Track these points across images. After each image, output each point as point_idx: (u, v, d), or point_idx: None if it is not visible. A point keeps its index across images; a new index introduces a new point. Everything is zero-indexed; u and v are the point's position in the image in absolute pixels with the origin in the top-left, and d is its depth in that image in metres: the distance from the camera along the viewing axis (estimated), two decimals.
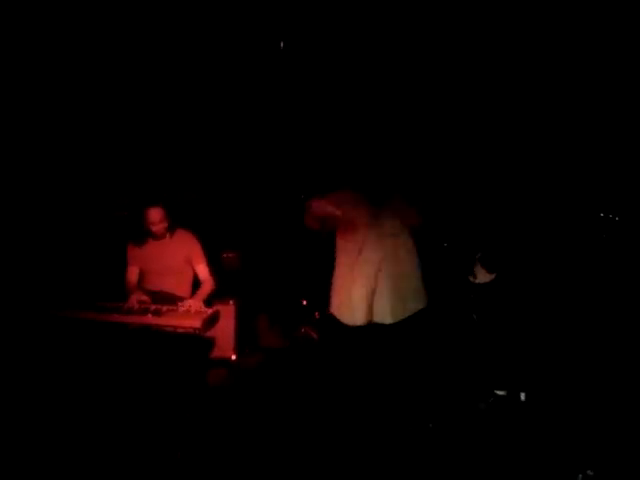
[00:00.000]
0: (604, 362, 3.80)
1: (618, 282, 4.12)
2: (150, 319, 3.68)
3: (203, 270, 4.14)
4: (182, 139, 5.11)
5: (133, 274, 4.12)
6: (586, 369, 3.81)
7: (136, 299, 3.88)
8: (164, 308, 3.78)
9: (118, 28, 3.99)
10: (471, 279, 4.65)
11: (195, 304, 3.87)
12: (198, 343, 3.78)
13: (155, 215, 3.94)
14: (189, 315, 3.76)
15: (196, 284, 4.23)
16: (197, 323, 3.64)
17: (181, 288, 4.13)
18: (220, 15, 4.00)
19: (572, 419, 3.39)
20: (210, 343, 3.98)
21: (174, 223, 4.08)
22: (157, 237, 4.03)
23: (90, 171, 4.82)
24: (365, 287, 3.38)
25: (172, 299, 3.99)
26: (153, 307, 3.80)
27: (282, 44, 4.31)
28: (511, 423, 3.52)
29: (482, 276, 4.63)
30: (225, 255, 5.03)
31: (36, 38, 3.89)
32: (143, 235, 4.03)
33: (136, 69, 4.43)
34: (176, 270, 4.09)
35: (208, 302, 4.06)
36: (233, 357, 4.18)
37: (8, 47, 3.85)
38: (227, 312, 4.24)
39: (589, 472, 2.73)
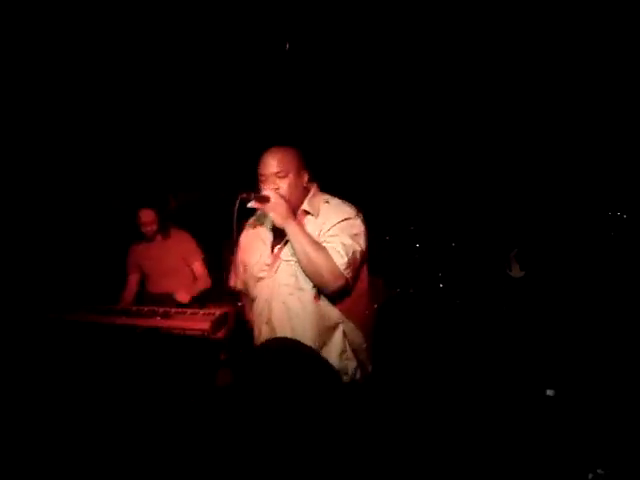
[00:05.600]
0: (617, 360, 3.78)
1: (631, 280, 4.11)
2: (159, 322, 3.70)
3: (198, 267, 4.23)
4: (186, 140, 5.12)
5: (131, 282, 4.27)
6: (599, 366, 3.78)
7: (126, 301, 4.13)
8: (172, 310, 3.81)
9: (120, 29, 4.02)
10: (508, 272, 4.79)
11: (183, 296, 3.99)
12: (207, 345, 3.78)
13: (146, 216, 4.02)
14: (198, 317, 3.78)
15: None
16: (206, 325, 3.65)
17: (183, 289, 4.17)
18: (223, 16, 4.00)
19: (583, 417, 3.36)
20: (219, 345, 3.99)
21: (168, 224, 4.14)
22: (148, 238, 4.12)
23: (92, 174, 4.85)
24: None
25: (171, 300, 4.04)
26: (161, 310, 3.82)
27: (287, 45, 4.32)
28: (522, 421, 3.50)
29: (516, 271, 4.75)
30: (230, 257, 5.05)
31: (35, 37, 3.90)
32: (138, 237, 4.11)
33: (137, 70, 4.45)
34: (175, 270, 4.17)
35: (202, 303, 4.12)
36: None
37: (8, 47, 3.86)
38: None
39: (599, 471, 2.71)
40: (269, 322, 2.43)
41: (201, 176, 5.28)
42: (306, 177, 2.45)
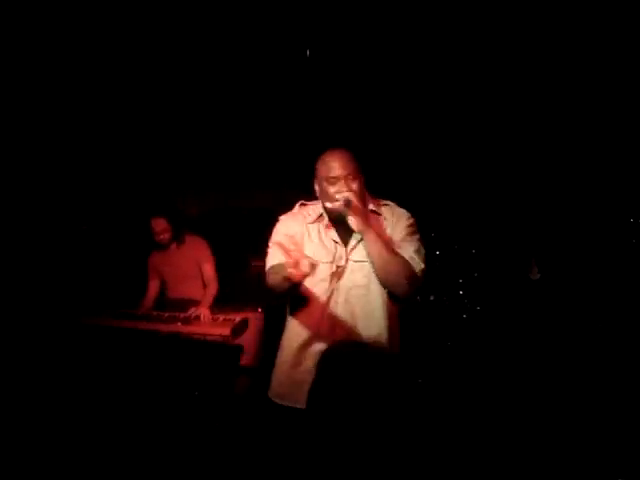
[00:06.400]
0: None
1: None
2: (179, 327, 3.73)
3: (208, 270, 4.19)
4: (211, 147, 5.15)
5: (151, 288, 4.28)
6: (620, 373, 3.74)
7: (145, 306, 4.12)
8: (192, 316, 3.84)
9: (141, 36, 4.04)
10: (529, 275, 4.79)
11: (203, 312, 3.93)
12: (227, 351, 3.80)
13: (158, 225, 4.04)
14: (218, 323, 3.80)
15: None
16: (226, 331, 3.68)
17: (201, 293, 4.18)
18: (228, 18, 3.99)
19: (604, 428, 3.32)
20: (239, 351, 4.00)
21: (182, 231, 4.17)
22: (162, 247, 4.14)
23: (116, 181, 4.89)
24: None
25: (190, 305, 4.05)
26: (182, 315, 3.85)
27: (308, 52, 4.32)
28: (542, 430, 3.46)
29: (534, 274, 4.77)
30: (254, 264, 5.06)
31: (44, 40, 3.91)
32: (153, 245, 4.15)
33: (155, 79, 4.48)
34: (192, 276, 4.18)
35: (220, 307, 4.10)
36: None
37: (13, 49, 3.88)
38: (256, 320, 4.24)
39: None
40: (337, 325, 2.34)
41: (216, 183, 5.30)
42: (364, 181, 2.38)
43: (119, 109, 4.66)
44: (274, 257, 2.38)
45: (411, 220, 2.40)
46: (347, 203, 2.23)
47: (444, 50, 4.25)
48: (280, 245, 2.35)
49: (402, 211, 2.44)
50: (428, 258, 2.38)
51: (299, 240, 2.39)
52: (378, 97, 4.77)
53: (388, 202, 2.47)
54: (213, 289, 4.12)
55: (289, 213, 2.53)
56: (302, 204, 2.47)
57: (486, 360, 4.41)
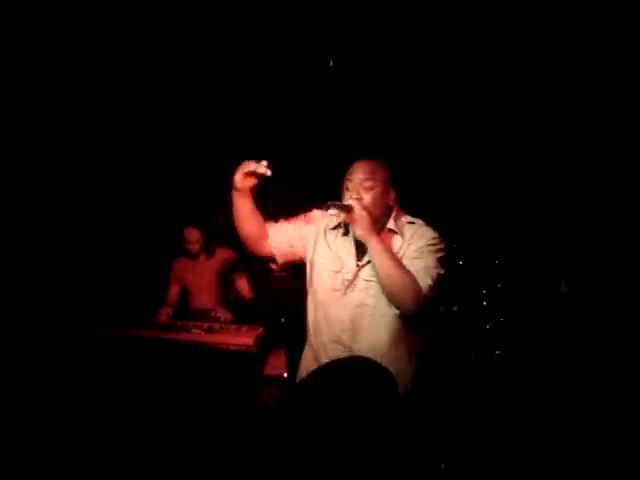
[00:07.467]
0: None
1: None
2: (203, 337, 3.75)
3: (242, 287, 4.33)
4: (234, 157, 5.18)
5: (171, 293, 4.33)
6: None
7: (165, 312, 4.14)
8: (217, 326, 3.87)
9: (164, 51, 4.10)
10: (557, 288, 4.75)
11: (223, 314, 4.04)
12: (250, 361, 3.81)
13: (191, 235, 4.08)
14: (242, 333, 3.81)
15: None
16: (250, 341, 3.68)
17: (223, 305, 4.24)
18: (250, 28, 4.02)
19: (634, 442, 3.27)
20: (262, 361, 4.02)
21: (213, 243, 4.20)
22: (193, 256, 4.19)
23: (141, 190, 4.94)
24: None
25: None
26: (205, 325, 3.87)
27: (331, 63, 4.34)
28: (569, 444, 3.42)
29: (562, 287, 4.72)
30: (277, 274, 5.08)
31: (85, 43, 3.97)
32: (183, 253, 4.19)
33: (182, 87, 4.53)
34: (215, 287, 4.23)
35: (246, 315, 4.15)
36: (285, 375, 4.21)
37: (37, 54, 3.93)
38: (279, 330, 4.26)
39: None
40: (340, 341, 2.32)
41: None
42: (392, 195, 2.35)
43: (150, 117, 4.73)
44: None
45: (434, 240, 2.31)
46: (344, 208, 2.20)
47: (467, 60, 4.25)
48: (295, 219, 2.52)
49: (427, 231, 2.35)
50: (451, 269, 2.34)
51: (312, 238, 2.45)
52: (399, 105, 4.78)
53: (415, 220, 2.40)
54: (248, 300, 4.23)
55: (322, 210, 2.44)
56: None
57: (510, 371, 4.38)
